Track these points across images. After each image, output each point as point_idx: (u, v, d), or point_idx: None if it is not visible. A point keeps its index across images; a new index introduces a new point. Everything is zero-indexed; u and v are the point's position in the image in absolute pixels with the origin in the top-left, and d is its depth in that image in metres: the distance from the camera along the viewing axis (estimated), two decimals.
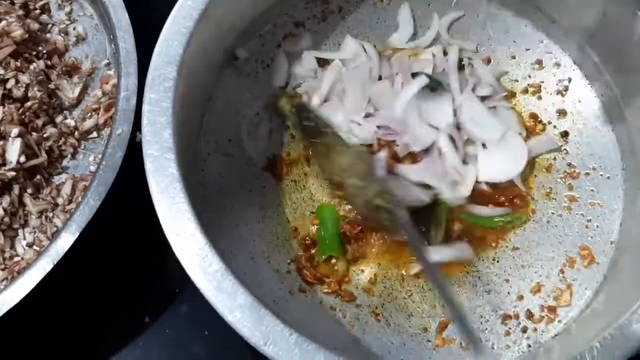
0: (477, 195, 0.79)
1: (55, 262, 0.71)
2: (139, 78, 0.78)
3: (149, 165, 0.63)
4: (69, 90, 0.86)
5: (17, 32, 0.83)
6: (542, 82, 0.86)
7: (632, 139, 0.79)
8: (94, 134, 0.84)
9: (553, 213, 0.80)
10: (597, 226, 0.79)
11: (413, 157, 0.80)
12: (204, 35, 0.72)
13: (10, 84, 0.81)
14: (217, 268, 0.59)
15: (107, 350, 0.79)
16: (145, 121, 0.65)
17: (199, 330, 0.80)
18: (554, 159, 0.82)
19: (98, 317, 0.80)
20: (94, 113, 0.85)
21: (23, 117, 0.80)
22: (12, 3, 0.87)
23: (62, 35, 0.90)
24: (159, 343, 0.80)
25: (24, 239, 0.79)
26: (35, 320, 0.78)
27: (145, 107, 0.66)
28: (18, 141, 0.78)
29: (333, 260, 0.77)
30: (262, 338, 0.57)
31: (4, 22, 0.84)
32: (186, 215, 0.61)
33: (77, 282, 0.78)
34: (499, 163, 0.80)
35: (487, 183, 0.80)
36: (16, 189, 0.78)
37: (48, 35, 0.89)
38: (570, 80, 0.85)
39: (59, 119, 0.84)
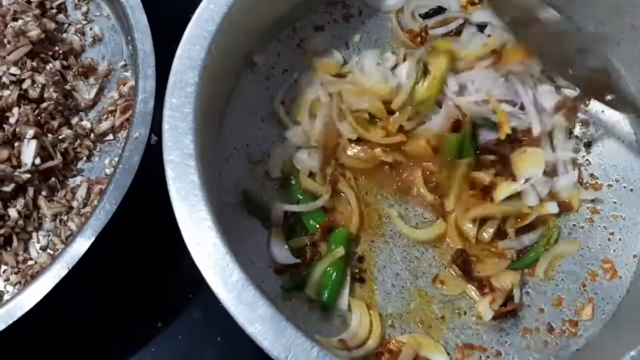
0: None
1: (70, 267, 0.70)
2: (157, 80, 0.77)
3: (169, 172, 0.62)
4: (85, 92, 0.85)
5: (34, 32, 0.82)
6: None
7: None
8: (110, 136, 0.83)
9: (575, 225, 0.79)
10: (620, 239, 0.78)
11: None
12: (226, 39, 0.71)
13: (27, 84, 0.80)
14: (238, 278, 0.58)
15: (119, 355, 0.78)
16: (166, 126, 0.64)
17: (212, 336, 0.79)
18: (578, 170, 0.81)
19: (111, 321, 0.79)
20: (110, 115, 0.84)
21: (39, 118, 0.79)
22: (29, 2, 0.87)
23: (79, 35, 0.89)
24: (171, 349, 0.79)
25: (38, 242, 0.78)
26: (48, 324, 0.77)
27: (166, 112, 0.64)
28: (33, 143, 0.77)
29: None
30: (283, 351, 0.56)
31: (20, 22, 0.83)
32: (207, 223, 0.60)
33: (90, 286, 0.77)
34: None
35: None
36: (30, 192, 0.77)
37: (64, 35, 0.88)
38: None
39: (74, 120, 0.83)
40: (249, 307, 0.57)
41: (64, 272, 0.69)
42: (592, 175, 0.81)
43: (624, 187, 0.80)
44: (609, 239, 0.78)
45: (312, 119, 0.79)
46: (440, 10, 0.86)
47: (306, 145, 0.78)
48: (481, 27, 0.84)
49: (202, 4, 0.70)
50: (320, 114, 0.79)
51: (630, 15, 0.74)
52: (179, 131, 0.64)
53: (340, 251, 0.72)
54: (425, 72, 0.80)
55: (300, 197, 0.77)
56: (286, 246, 0.73)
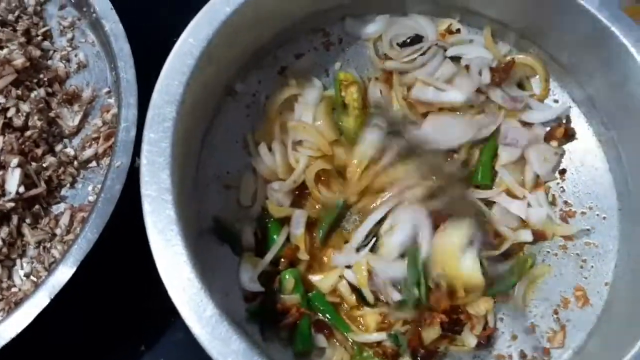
0: None
1: (52, 297, 0.71)
2: (140, 108, 0.78)
3: (146, 207, 0.63)
4: (69, 119, 0.86)
5: (19, 61, 0.83)
6: None
7: (628, 180, 0.79)
8: (93, 163, 0.85)
9: (548, 252, 0.80)
10: (592, 267, 0.79)
11: None
12: (205, 72, 0.72)
13: (11, 112, 0.81)
14: (212, 313, 0.60)
15: None
16: (144, 161, 0.65)
17: (195, 358, 0.80)
18: (552, 197, 0.83)
19: (94, 346, 0.80)
20: (93, 142, 0.85)
21: (23, 146, 0.80)
22: (14, 30, 0.88)
23: (64, 62, 0.90)
24: None
25: (22, 269, 0.79)
26: (31, 348, 0.78)
27: (145, 147, 0.66)
28: (17, 171, 0.78)
29: None
30: None
31: (5, 50, 0.84)
32: (182, 258, 0.62)
33: (74, 311, 0.78)
34: None
35: None
36: (15, 219, 0.78)
37: (49, 62, 0.90)
38: (568, 117, 0.85)
39: (58, 147, 0.84)
40: (223, 342, 0.59)
41: (46, 301, 0.71)
42: (566, 202, 0.83)
43: (597, 214, 0.82)
44: (581, 267, 0.79)
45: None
46: (417, 38, 0.87)
47: (274, 178, 0.80)
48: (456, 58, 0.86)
49: (181, 38, 0.71)
50: (275, 145, 0.81)
51: (603, 47, 0.75)
52: (157, 166, 0.65)
53: (296, 297, 0.74)
54: (345, 106, 0.82)
55: (270, 226, 0.78)
56: (255, 273, 0.74)
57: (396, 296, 0.74)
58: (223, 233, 0.78)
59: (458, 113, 0.83)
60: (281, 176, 0.80)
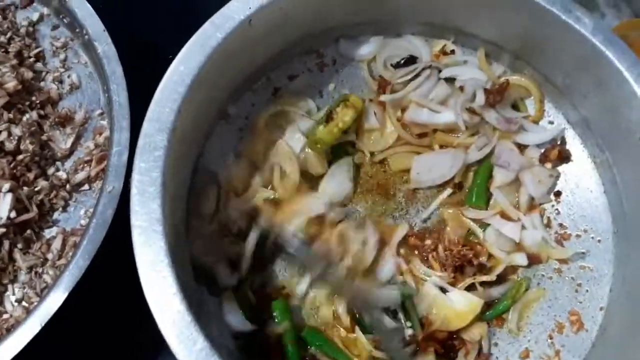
0: None
1: (43, 324, 0.71)
2: (132, 132, 0.78)
3: (136, 237, 0.63)
4: (62, 141, 0.85)
5: (11, 84, 0.83)
6: None
7: (623, 203, 0.79)
8: (86, 186, 0.84)
9: (543, 275, 0.80)
10: (587, 291, 0.79)
11: None
12: (197, 98, 0.72)
13: (3, 136, 0.81)
14: (202, 347, 0.59)
15: None
16: (134, 190, 0.65)
17: None
18: (547, 219, 0.82)
19: None
20: (86, 165, 0.84)
21: (14, 171, 0.80)
22: (6, 52, 0.87)
23: (57, 83, 0.89)
24: None
25: (13, 294, 0.78)
26: None
27: (135, 177, 0.65)
28: (9, 196, 0.78)
29: None
30: None
31: None
32: (172, 290, 0.61)
33: (64, 340, 0.77)
34: None
35: None
36: (6, 245, 0.78)
37: (42, 83, 0.89)
38: (563, 138, 0.85)
39: (50, 170, 0.84)
40: None
41: (37, 328, 0.70)
42: (561, 225, 0.82)
43: (592, 237, 0.81)
44: (576, 290, 0.79)
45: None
46: (412, 59, 0.87)
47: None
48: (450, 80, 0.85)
49: (172, 65, 0.70)
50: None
51: (597, 70, 0.75)
52: (147, 195, 0.65)
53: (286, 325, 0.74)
54: (329, 119, 0.81)
55: None
56: (240, 312, 0.74)
57: (389, 323, 0.74)
58: (197, 272, 0.77)
59: (444, 148, 0.84)
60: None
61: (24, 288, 0.79)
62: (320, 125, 0.81)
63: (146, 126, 0.68)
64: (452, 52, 0.87)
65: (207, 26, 0.71)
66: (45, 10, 0.92)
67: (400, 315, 0.74)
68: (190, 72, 0.70)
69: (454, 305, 0.74)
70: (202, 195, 0.79)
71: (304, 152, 0.81)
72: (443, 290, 0.76)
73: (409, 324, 0.74)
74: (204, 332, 0.60)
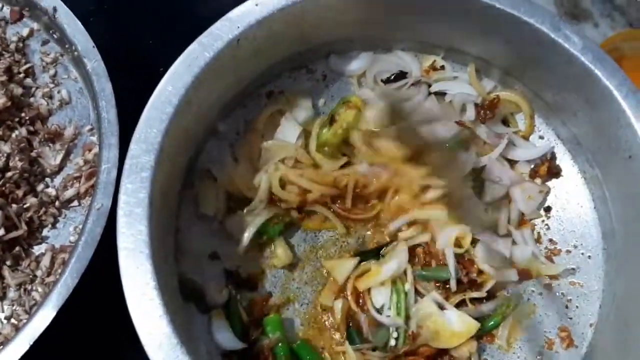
0: None
1: (31, 343, 0.70)
2: (121, 149, 0.77)
3: (122, 260, 0.63)
4: (51, 158, 0.85)
5: (0, 101, 0.83)
6: None
7: (612, 219, 0.78)
8: (75, 203, 0.84)
9: (533, 291, 0.80)
10: (577, 307, 0.79)
11: None
12: (186, 117, 0.72)
13: None
14: None
15: None
16: (120, 212, 0.65)
17: None
18: (537, 234, 0.82)
19: None
20: (75, 181, 0.84)
21: (3, 188, 0.80)
22: None
23: (46, 99, 0.89)
24: None
25: (2, 311, 0.78)
26: None
27: (122, 198, 0.65)
28: None
29: None
30: None
31: None
32: (158, 312, 0.61)
33: (51, 356, 0.77)
34: None
35: None
36: None
37: (32, 99, 0.89)
38: (553, 154, 0.85)
39: (40, 187, 0.84)
40: None
41: (26, 347, 0.70)
42: (551, 240, 0.82)
43: (582, 253, 0.81)
44: (566, 307, 0.79)
45: None
46: (402, 75, 0.87)
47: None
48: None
49: (159, 86, 0.70)
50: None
51: (586, 88, 0.75)
52: (134, 217, 0.65)
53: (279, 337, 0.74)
54: (332, 121, 0.82)
55: None
56: (230, 330, 0.73)
57: (379, 317, 0.74)
58: (184, 289, 0.76)
59: None
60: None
61: (13, 305, 0.79)
62: (324, 128, 0.82)
63: (133, 147, 0.68)
64: (442, 67, 0.87)
65: (194, 46, 0.71)
66: (35, 26, 0.92)
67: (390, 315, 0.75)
68: (177, 92, 0.70)
69: (451, 324, 0.73)
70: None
71: (301, 139, 0.83)
72: (441, 307, 0.76)
73: (395, 334, 0.74)
74: (191, 356, 0.60)
